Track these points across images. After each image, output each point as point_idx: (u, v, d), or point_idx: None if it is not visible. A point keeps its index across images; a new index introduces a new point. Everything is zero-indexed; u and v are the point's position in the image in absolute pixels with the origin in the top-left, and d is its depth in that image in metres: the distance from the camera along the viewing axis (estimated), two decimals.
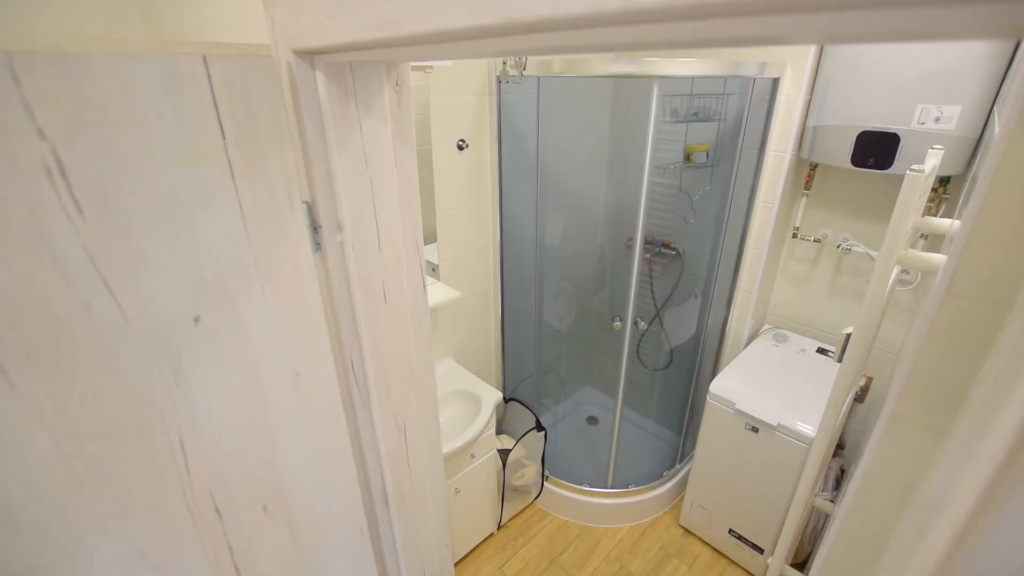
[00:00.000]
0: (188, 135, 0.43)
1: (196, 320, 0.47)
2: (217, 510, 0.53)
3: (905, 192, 0.82)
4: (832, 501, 1.71)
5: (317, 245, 0.60)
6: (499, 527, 2.08)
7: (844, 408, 1.01)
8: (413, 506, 0.84)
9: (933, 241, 1.62)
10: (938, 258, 0.88)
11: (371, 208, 0.61)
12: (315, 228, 0.59)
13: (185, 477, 0.48)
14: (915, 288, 1.72)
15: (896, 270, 0.97)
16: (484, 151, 1.76)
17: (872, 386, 1.83)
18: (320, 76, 0.51)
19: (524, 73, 1.53)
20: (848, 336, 0.95)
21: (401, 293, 0.68)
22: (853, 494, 0.75)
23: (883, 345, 1.89)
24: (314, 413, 0.62)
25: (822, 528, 1.80)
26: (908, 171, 0.83)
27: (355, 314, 0.64)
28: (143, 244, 0.43)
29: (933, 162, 0.97)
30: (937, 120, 1.40)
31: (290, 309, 0.57)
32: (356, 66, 0.54)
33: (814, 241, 1.87)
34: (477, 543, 2.01)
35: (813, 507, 1.48)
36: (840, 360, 0.98)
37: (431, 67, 1.34)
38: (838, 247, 1.80)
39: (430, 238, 1.74)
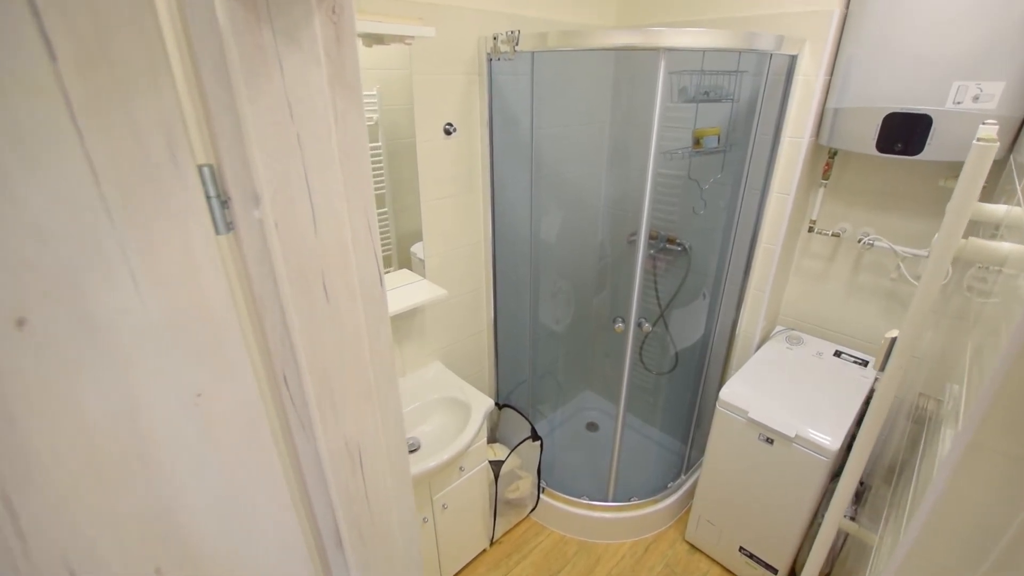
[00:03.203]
0: None
1: (19, 324, 0.32)
2: None
3: (971, 167, 0.68)
4: (853, 519, 1.57)
5: (228, 224, 0.46)
6: (492, 543, 1.94)
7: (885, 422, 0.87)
8: (375, 546, 0.70)
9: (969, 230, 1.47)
10: (1007, 248, 0.73)
11: (301, 176, 0.46)
12: (222, 201, 0.45)
13: (16, 546, 0.34)
14: (945, 285, 1.58)
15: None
16: (474, 137, 1.61)
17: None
18: None
19: (517, 49, 1.39)
20: (893, 341, 0.81)
21: (348, 288, 0.53)
22: (919, 531, 0.61)
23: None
24: (228, 443, 0.48)
25: (840, 549, 1.66)
26: (976, 141, 0.69)
27: (285, 315, 0.49)
28: None
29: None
30: (976, 99, 1.26)
31: (184, 308, 0.42)
32: None
33: (832, 235, 1.73)
34: (468, 561, 1.86)
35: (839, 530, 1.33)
36: (882, 368, 0.83)
37: (412, 37, 1.20)
38: (859, 242, 1.65)
39: (416, 236, 1.60)
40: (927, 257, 1.56)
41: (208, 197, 0.44)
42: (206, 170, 0.43)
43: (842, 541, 1.65)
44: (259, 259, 0.47)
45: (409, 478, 0.74)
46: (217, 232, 0.45)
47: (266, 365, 0.52)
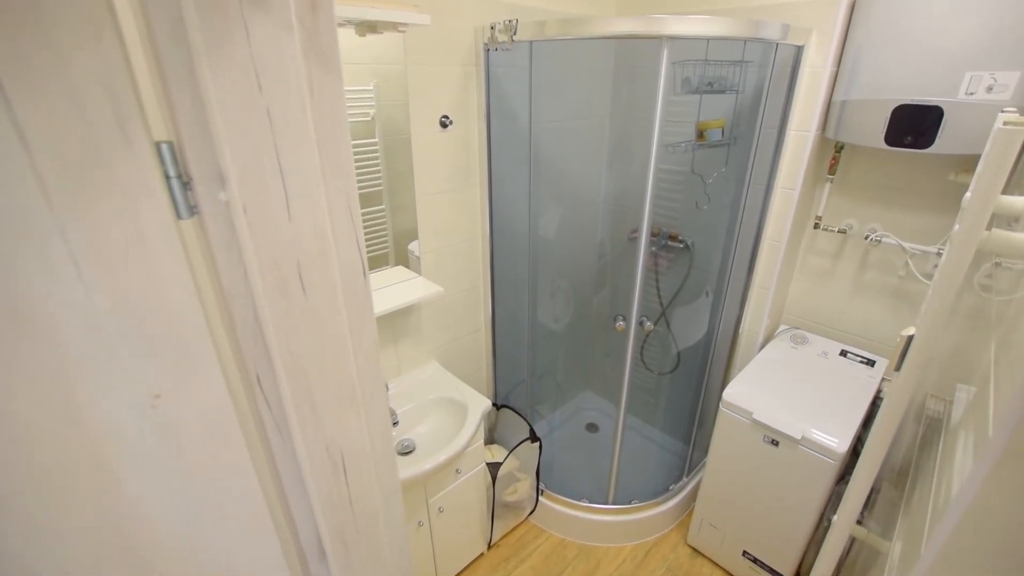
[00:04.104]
0: None
1: None
2: None
3: (998, 153, 0.63)
4: (860, 523, 1.53)
5: (191, 208, 0.41)
6: (489, 547, 1.90)
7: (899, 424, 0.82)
8: (361, 556, 0.65)
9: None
10: None
11: (272, 154, 0.42)
12: (184, 182, 0.40)
13: None
14: None
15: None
16: (471, 130, 1.57)
17: None
18: None
19: (515, 38, 1.34)
20: (910, 339, 0.76)
21: (328, 280, 0.49)
22: (944, 542, 0.57)
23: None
24: (192, 449, 0.44)
25: (847, 553, 1.62)
26: (1000, 125, 0.65)
27: (257, 309, 0.45)
28: None
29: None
30: (990, 89, 1.21)
31: (138, 301, 0.38)
32: None
33: (838, 232, 1.69)
34: (465, 565, 1.82)
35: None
36: (898, 368, 0.79)
37: (406, 25, 1.15)
38: (866, 238, 1.61)
39: (413, 234, 1.56)
40: (936, 253, 1.51)
41: (167, 177, 0.40)
42: (164, 147, 0.39)
43: (848, 545, 1.61)
44: (226, 247, 0.42)
45: (398, 484, 0.70)
46: (179, 216, 0.41)
47: (238, 364, 0.47)
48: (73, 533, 0.37)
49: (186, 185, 0.41)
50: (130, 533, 0.40)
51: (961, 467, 0.74)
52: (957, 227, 0.71)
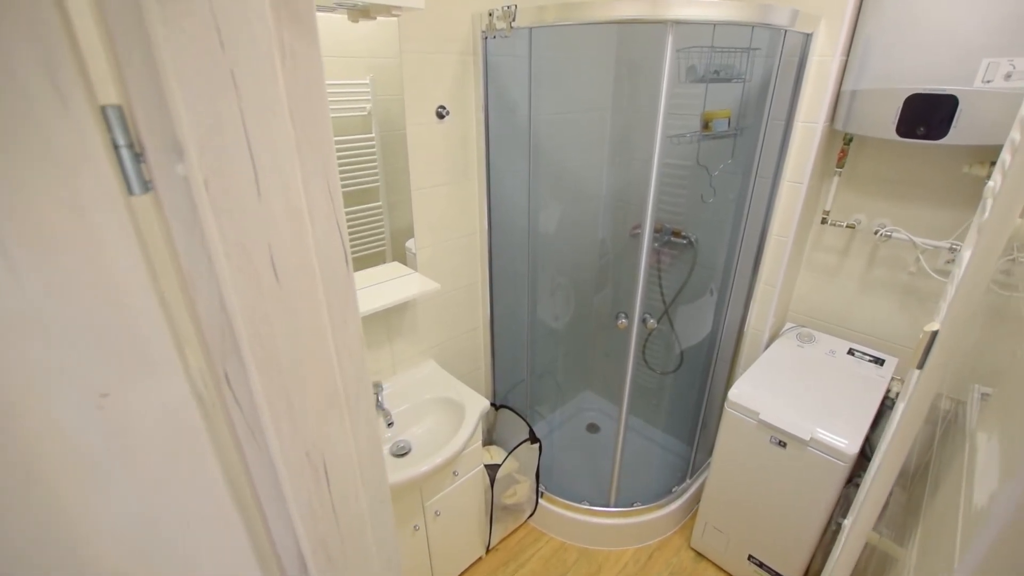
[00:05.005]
0: None
1: None
2: None
3: None
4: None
5: (145, 182, 0.36)
6: (488, 551, 1.85)
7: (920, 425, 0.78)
8: (347, 569, 0.61)
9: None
10: None
11: (238, 122, 0.37)
12: (136, 153, 0.36)
13: None
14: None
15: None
16: (468, 121, 1.52)
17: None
18: None
19: (514, 25, 1.30)
20: (934, 335, 0.72)
21: (304, 266, 0.44)
22: (983, 557, 0.52)
23: (909, 341, 1.66)
24: (147, 454, 0.39)
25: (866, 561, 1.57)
26: None
27: (223, 298, 0.40)
28: None
29: None
30: (1008, 76, 1.17)
31: (79, 288, 0.33)
32: None
33: (846, 227, 1.64)
34: (462, 570, 1.78)
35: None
36: (920, 366, 0.74)
37: (399, 8, 1.11)
38: (875, 233, 1.56)
39: (411, 231, 1.51)
40: (948, 248, 1.46)
41: (116, 146, 0.35)
42: (112, 111, 0.34)
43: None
44: (187, 227, 0.38)
45: (387, 490, 0.65)
46: (130, 191, 0.36)
47: (204, 359, 0.43)
48: (6, 551, 0.32)
49: (139, 156, 0.36)
50: (71, 555, 0.35)
51: (985, 475, 0.69)
52: (986, 214, 0.66)
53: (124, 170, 0.36)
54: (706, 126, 1.50)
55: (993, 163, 1.33)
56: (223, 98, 0.36)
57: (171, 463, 0.40)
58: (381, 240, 1.47)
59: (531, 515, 1.96)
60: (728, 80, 1.43)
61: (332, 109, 1.26)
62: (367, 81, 1.29)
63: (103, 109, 0.34)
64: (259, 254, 0.41)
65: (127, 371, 0.36)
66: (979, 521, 0.54)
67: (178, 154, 0.36)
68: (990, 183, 0.88)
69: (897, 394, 1.61)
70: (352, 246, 1.42)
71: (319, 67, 0.42)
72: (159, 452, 0.39)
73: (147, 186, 0.37)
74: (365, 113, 1.32)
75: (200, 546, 0.45)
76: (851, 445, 1.34)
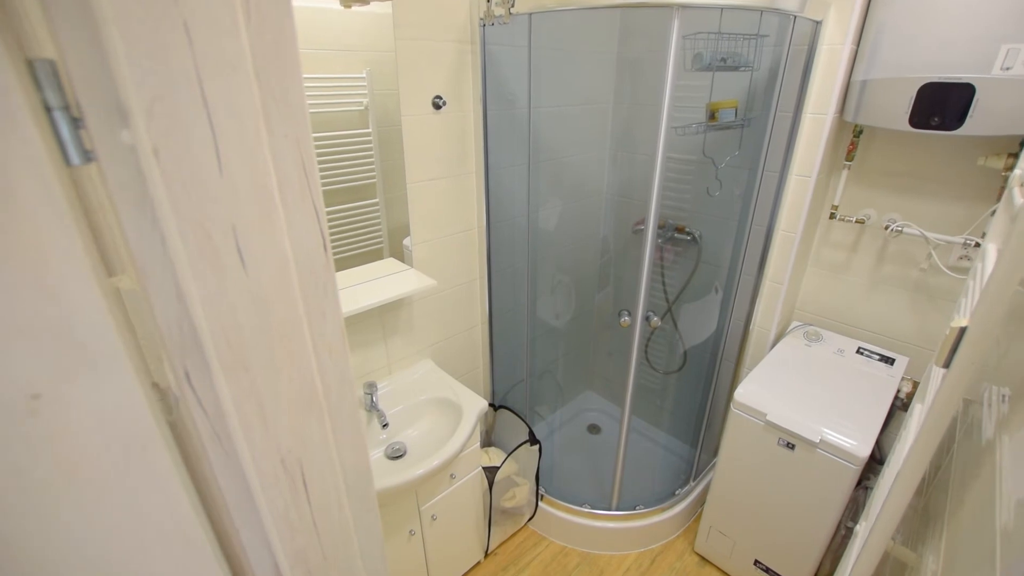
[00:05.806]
0: None
1: None
2: None
3: None
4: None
5: (85, 152, 0.32)
6: (486, 555, 1.80)
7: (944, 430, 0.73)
8: None
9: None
10: None
11: (193, 83, 0.32)
12: (74, 117, 0.31)
13: None
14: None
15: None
16: (466, 113, 1.47)
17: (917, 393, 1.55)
18: None
19: (512, 11, 1.25)
20: (962, 331, 0.67)
21: (276, 251, 0.40)
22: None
23: (919, 340, 1.61)
24: (89, 463, 0.34)
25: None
26: None
27: (180, 287, 0.36)
28: None
29: None
30: None
31: (6, 272, 0.28)
32: None
33: (856, 222, 1.59)
34: (460, 575, 1.72)
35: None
36: (947, 365, 0.69)
37: None
38: (885, 229, 1.52)
39: (407, 229, 1.47)
40: (962, 244, 1.41)
41: (49, 109, 0.30)
42: (43, 66, 0.30)
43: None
44: (135, 203, 0.33)
45: (374, 497, 0.60)
46: (68, 162, 0.31)
47: (160, 355, 0.38)
48: None
49: (77, 121, 0.31)
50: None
51: (1014, 483, 0.65)
52: (1022, 200, 0.61)
53: (60, 137, 0.31)
54: (712, 116, 1.45)
55: (1012, 154, 1.28)
56: (175, 54, 0.32)
57: (119, 475, 0.36)
58: (378, 237, 1.43)
59: (531, 518, 1.91)
60: (735, 68, 1.39)
61: (329, 104, 1.24)
62: (364, 75, 1.25)
63: (31, 63, 0.29)
64: (222, 236, 0.36)
65: (62, 369, 0.32)
66: (1014, 538, 0.50)
67: (122, 118, 0.31)
68: (1018, 171, 0.83)
69: (908, 395, 1.57)
70: (349, 243, 1.37)
71: (290, 22, 0.37)
72: (104, 462, 0.35)
73: (88, 156, 0.32)
74: (362, 108, 1.28)
75: (160, 568, 0.40)
76: (862, 447, 1.30)
